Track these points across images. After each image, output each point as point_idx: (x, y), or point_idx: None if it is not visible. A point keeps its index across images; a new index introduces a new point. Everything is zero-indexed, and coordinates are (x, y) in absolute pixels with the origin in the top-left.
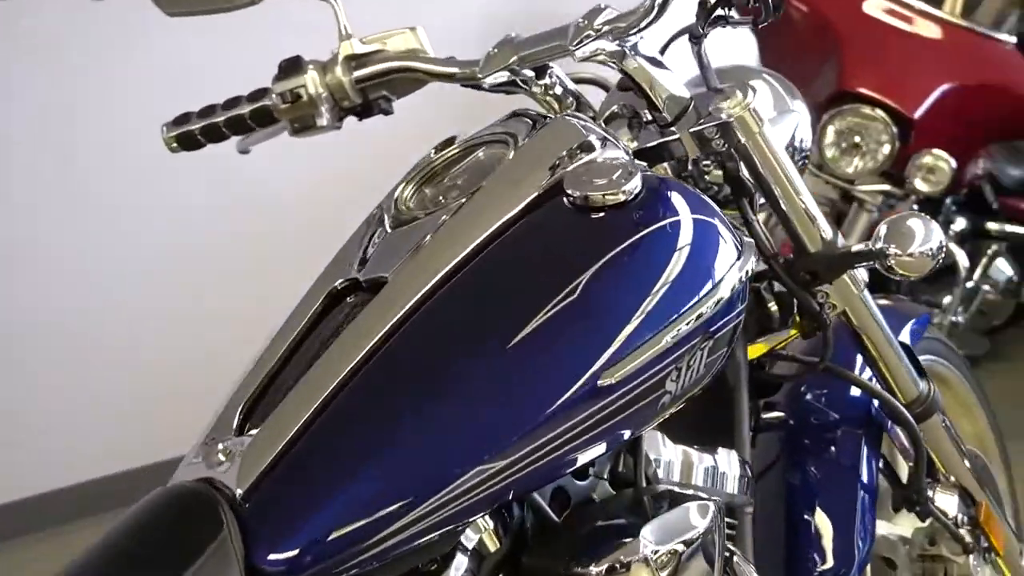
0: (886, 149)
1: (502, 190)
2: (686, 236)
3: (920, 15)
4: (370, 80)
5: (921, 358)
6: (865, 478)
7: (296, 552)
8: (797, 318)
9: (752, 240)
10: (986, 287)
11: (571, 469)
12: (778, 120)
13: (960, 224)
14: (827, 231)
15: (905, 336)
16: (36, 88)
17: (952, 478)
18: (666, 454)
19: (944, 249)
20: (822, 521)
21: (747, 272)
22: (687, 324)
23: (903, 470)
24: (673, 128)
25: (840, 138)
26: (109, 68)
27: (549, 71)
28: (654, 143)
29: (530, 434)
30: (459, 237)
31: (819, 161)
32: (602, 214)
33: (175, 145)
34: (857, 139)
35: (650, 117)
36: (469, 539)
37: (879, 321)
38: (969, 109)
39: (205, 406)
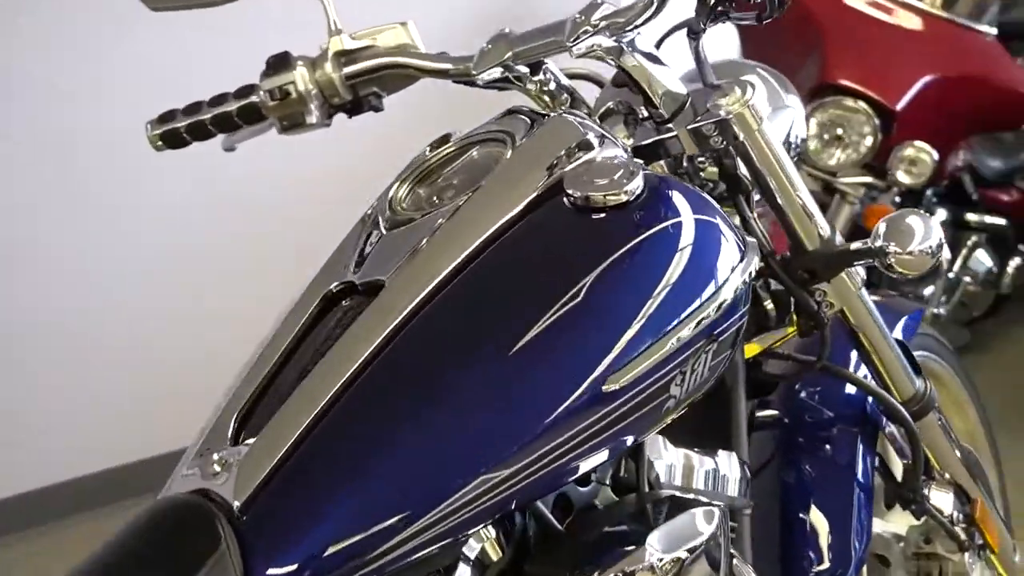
0: (868, 141)
1: (500, 190)
2: (689, 237)
3: (901, 7)
4: (361, 76)
5: (915, 354)
6: (861, 476)
7: (295, 567)
8: (794, 317)
9: (754, 240)
10: (967, 278)
11: (574, 477)
12: (774, 116)
13: (940, 215)
14: (825, 229)
15: (899, 332)
16: (36, 88)
17: (947, 475)
18: (667, 458)
19: (943, 246)
20: (818, 520)
21: (751, 273)
22: (693, 327)
23: (897, 467)
24: (670, 125)
25: (822, 130)
26: (109, 68)
27: (544, 67)
28: (651, 140)
29: (533, 443)
30: (458, 239)
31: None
32: (603, 215)
33: (160, 143)
34: (839, 131)
35: (646, 114)
36: (471, 549)
37: (877, 319)
38: (951, 101)
39: (205, 405)
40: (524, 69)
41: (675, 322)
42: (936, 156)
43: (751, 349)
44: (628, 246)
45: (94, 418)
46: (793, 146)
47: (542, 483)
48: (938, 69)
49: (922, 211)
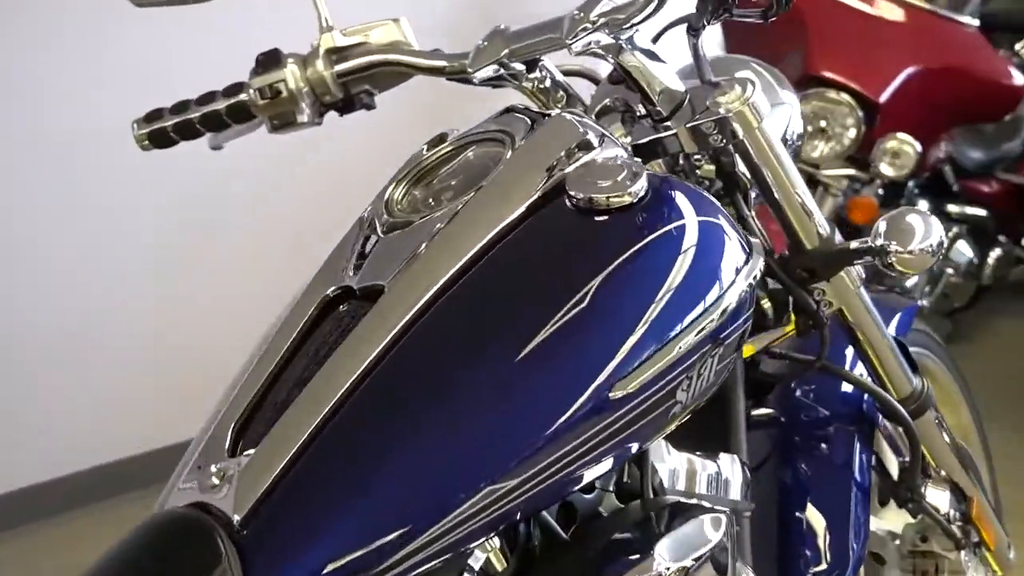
0: (852, 133)
1: (500, 193)
2: (694, 239)
3: None
4: (353, 74)
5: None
6: (858, 475)
7: None
8: (792, 316)
9: (757, 240)
10: (948, 270)
11: (580, 485)
12: (771, 113)
13: (922, 207)
14: (825, 228)
15: (894, 329)
16: (36, 88)
17: (943, 473)
18: (671, 462)
19: (944, 245)
20: (816, 519)
21: (756, 275)
22: (699, 331)
23: (892, 465)
24: (668, 123)
25: (806, 122)
26: (109, 67)
27: (540, 65)
28: (649, 139)
29: (540, 452)
30: (458, 243)
31: None
32: (607, 217)
33: (146, 143)
34: (823, 123)
35: (644, 111)
36: (476, 560)
37: (875, 318)
38: (933, 93)
39: (205, 404)
40: (520, 67)
41: (682, 326)
42: (919, 148)
43: (748, 349)
44: (633, 249)
45: (94, 418)
46: (790, 143)
47: (548, 493)
48: (921, 61)
49: (920, 209)
